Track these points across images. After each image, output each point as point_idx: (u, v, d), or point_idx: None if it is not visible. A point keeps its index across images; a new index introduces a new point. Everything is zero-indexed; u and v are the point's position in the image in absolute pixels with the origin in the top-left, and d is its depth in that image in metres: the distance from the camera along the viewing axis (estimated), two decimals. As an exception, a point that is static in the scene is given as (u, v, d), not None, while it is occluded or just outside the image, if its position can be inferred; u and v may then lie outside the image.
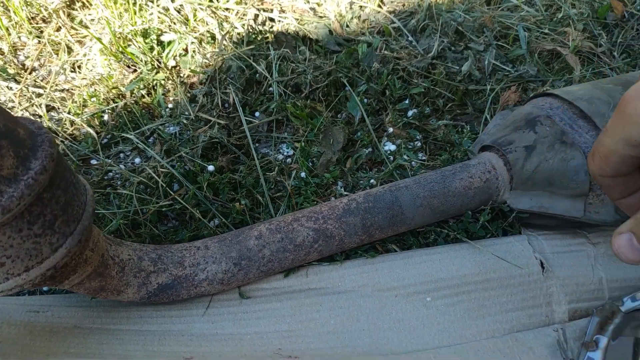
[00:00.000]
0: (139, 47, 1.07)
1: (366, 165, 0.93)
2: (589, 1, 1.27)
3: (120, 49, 1.06)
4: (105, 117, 0.99)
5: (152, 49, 1.08)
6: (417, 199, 0.76)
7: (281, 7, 1.21)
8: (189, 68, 1.04)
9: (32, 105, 1.00)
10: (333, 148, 0.90)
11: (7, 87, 1.03)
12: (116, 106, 0.99)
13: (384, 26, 1.17)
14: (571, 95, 0.82)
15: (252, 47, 1.05)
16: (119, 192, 0.82)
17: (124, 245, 0.67)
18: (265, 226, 0.73)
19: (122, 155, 0.94)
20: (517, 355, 0.68)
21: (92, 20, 1.18)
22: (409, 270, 0.75)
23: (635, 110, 0.38)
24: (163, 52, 1.08)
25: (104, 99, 1.01)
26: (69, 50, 1.12)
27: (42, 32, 1.14)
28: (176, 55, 1.09)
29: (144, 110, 1.00)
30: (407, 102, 1.01)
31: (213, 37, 1.11)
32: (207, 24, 1.14)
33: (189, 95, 1.00)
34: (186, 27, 1.12)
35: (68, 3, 1.19)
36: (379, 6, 1.23)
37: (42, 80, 1.07)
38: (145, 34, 1.10)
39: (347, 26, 1.19)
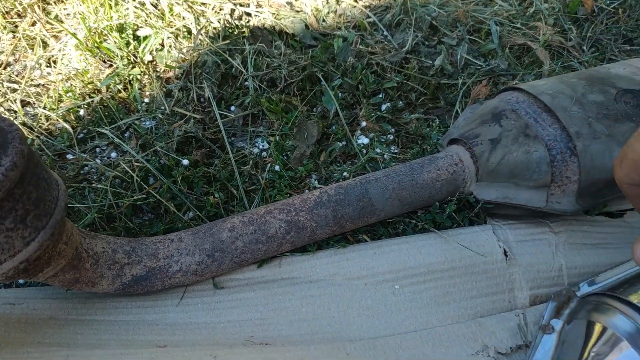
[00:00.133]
0: (115, 42, 1.07)
1: (340, 159, 0.95)
2: (560, -4, 1.30)
3: (96, 44, 1.06)
4: (81, 112, 0.99)
5: (128, 44, 1.09)
6: (386, 191, 0.79)
7: (258, 2, 1.22)
8: (165, 63, 1.05)
9: (7, 101, 1.01)
10: (307, 142, 0.92)
11: (-18, 82, 1.03)
12: (92, 101, 1.00)
13: (359, 21, 1.19)
14: (536, 90, 0.85)
15: (228, 41, 1.06)
16: (95, 186, 0.83)
17: (98, 238, 0.69)
18: (239, 219, 0.75)
19: (98, 149, 0.95)
20: (480, 339, 0.71)
21: (68, 14, 1.18)
22: (379, 259, 0.78)
23: None
24: (139, 46, 1.08)
25: (79, 94, 1.01)
26: (45, 45, 1.12)
27: (16, 26, 1.14)
28: (152, 50, 1.10)
29: (120, 105, 1.01)
30: (380, 96, 1.03)
31: (189, 32, 1.12)
32: (183, 18, 1.15)
33: (164, 90, 1.01)
34: (162, 22, 1.12)
35: (43, -3, 1.19)
36: (355, 1, 1.25)
37: (17, 76, 1.07)
38: (121, 29, 1.10)
39: (324, 21, 1.21)
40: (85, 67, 1.07)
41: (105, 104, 1.00)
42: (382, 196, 0.79)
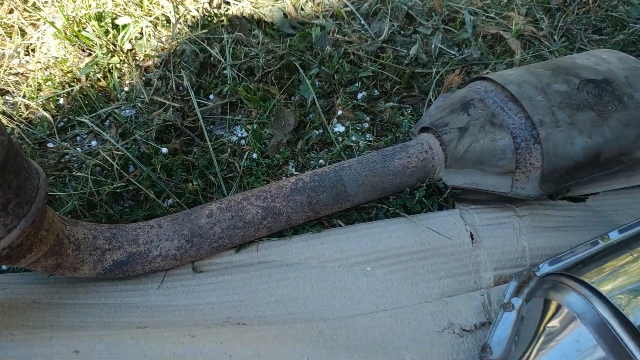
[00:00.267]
0: (94, 31, 1.08)
1: (317, 146, 0.97)
2: (533, -14, 1.33)
3: (74, 33, 1.07)
4: (61, 100, 1.00)
5: (107, 32, 1.10)
6: (359, 178, 0.82)
7: (237, -10, 1.23)
8: (144, 51, 1.06)
9: (-14, 89, 1.01)
10: (284, 130, 0.94)
11: (-40, 70, 1.04)
12: (72, 90, 1.01)
13: (337, 10, 1.21)
14: (504, 79, 0.88)
15: (206, 30, 1.07)
16: (75, 174, 0.85)
17: (79, 225, 0.71)
18: (216, 205, 0.77)
19: (78, 138, 0.97)
20: (446, 317, 0.76)
21: (46, 2, 1.18)
22: (352, 243, 0.81)
23: None
24: (118, 35, 1.09)
25: (59, 82, 1.02)
26: (23, 33, 1.12)
27: (-6, 14, 1.14)
28: (132, 39, 1.10)
29: (100, 94, 1.02)
30: (357, 84, 1.06)
31: (168, 21, 1.13)
32: (162, 7, 1.15)
33: (144, 78, 1.03)
34: (141, 10, 1.13)
35: (20, -16, 1.18)
36: (333, -10, 1.26)
37: (-5, 64, 1.07)
38: (99, 18, 1.11)
39: (302, 9, 1.23)
40: (65, 55, 1.07)
41: (85, 93, 1.01)
42: (356, 183, 0.82)
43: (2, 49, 1.09)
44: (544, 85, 0.86)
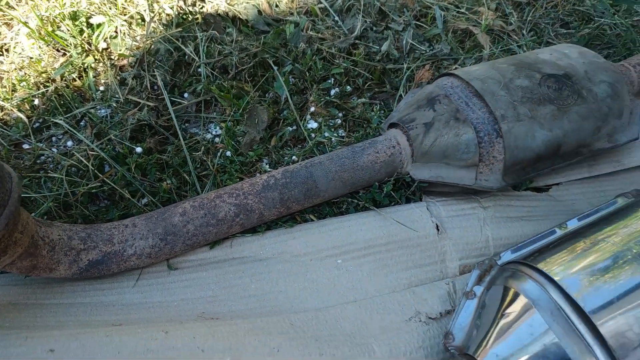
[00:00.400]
0: (68, 30, 1.08)
1: (290, 143, 1.00)
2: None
3: (48, 33, 1.07)
4: (36, 101, 1.01)
5: (81, 31, 1.10)
6: (329, 174, 0.85)
7: (211, -12, 1.24)
8: (119, 51, 1.07)
9: (-40, 91, 1.01)
10: (258, 127, 0.97)
11: None
12: (46, 90, 1.02)
13: (311, 6, 1.23)
14: (469, 75, 0.91)
15: (180, 29, 1.09)
16: (50, 175, 0.87)
17: (53, 226, 0.73)
18: (190, 203, 0.80)
19: (54, 138, 0.98)
20: (413, 306, 0.79)
21: (20, 1, 1.18)
22: (323, 236, 0.84)
23: None
24: (93, 34, 1.10)
25: (33, 83, 1.03)
26: (-4, 33, 1.12)
27: (-35, 14, 1.13)
28: (107, 38, 1.11)
29: (75, 94, 1.03)
30: (330, 81, 1.08)
31: (143, 19, 1.14)
32: (137, 5, 1.16)
33: (119, 78, 1.04)
34: (115, 9, 1.14)
35: (-8, -16, 1.18)
36: (307, -14, 1.28)
37: (-32, 65, 1.07)
38: (74, 17, 1.11)
39: (277, 6, 1.24)
40: (39, 55, 1.08)
41: (60, 93, 1.02)
42: (326, 178, 0.84)
43: (-25, 50, 1.09)
44: (507, 80, 0.89)
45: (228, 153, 0.92)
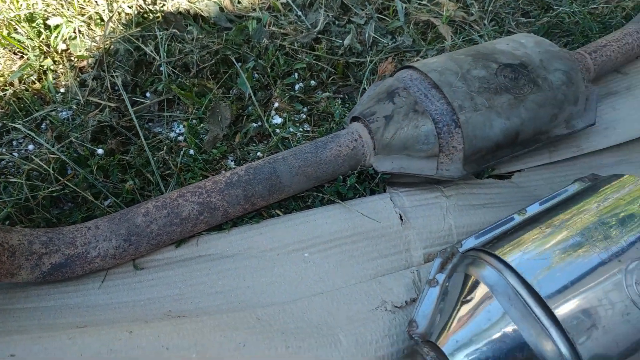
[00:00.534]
0: (25, 33, 1.06)
1: (255, 139, 1.00)
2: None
3: (3, 37, 1.05)
4: (-6, 105, 0.99)
5: (39, 33, 1.08)
6: (293, 169, 0.85)
7: (172, -15, 1.22)
8: (78, 52, 1.06)
9: None
10: (221, 124, 0.97)
11: None
12: (4, 94, 1.00)
13: (273, 2, 1.23)
14: (427, 67, 0.93)
15: (140, 28, 1.08)
16: (10, 180, 0.85)
17: (13, 231, 0.72)
18: (152, 203, 0.80)
19: (14, 142, 0.96)
20: (379, 296, 0.81)
21: (-27, 3, 1.15)
22: (289, 231, 0.85)
23: None
24: (51, 36, 1.08)
25: (-9, 87, 1.01)
26: (-51, 37, 1.09)
27: None
28: (66, 39, 1.09)
29: (35, 97, 1.02)
30: (295, 76, 1.09)
31: (102, 19, 1.12)
32: (96, 4, 1.14)
33: (79, 79, 1.03)
34: (73, 10, 1.12)
35: (-56, -14, 1.15)
36: (269, -19, 1.28)
37: None
38: (30, 19, 1.09)
39: (239, 2, 1.24)
40: (-5, 59, 1.06)
41: (20, 96, 1.00)
42: (290, 173, 0.85)
43: None
44: (464, 71, 0.91)
45: (191, 151, 0.92)
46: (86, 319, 0.71)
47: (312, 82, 1.08)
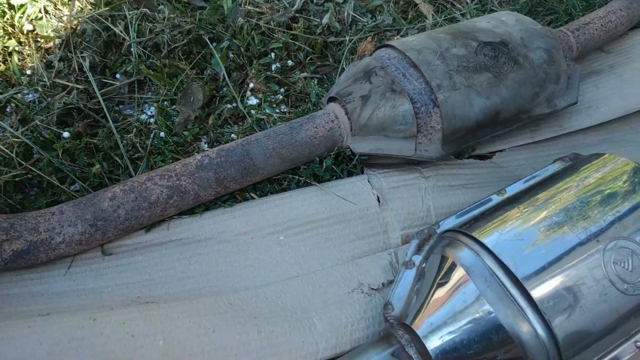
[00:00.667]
0: (-12, 12, 1.02)
1: (230, 121, 0.97)
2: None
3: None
4: (-44, 88, 0.95)
5: (3, 13, 1.04)
6: (267, 151, 0.83)
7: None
8: (44, 32, 1.02)
9: None
10: (193, 106, 0.93)
11: None
12: (-33, 76, 0.96)
13: (249, -20, 1.19)
14: (405, 46, 0.90)
15: (108, 8, 1.03)
16: (-29, 165, 0.82)
17: (-29, 217, 0.69)
18: (120, 187, 0.77)
19: (-22, 127, 0.93)
20: (356, 278, 0.79)
21: None
22: (264, 214, 0.83)
23: None
24: (16, 16, 1.04)
25: (-48, 69, 0.97)
26: None
27: None
28: (32, 19, 1.05)
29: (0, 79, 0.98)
30: (271, 56, 1.05)
31: (70, -2, 1.08)
32: (64, -17, 1.10)
33: (44, 60, 0.99)
34: (39, -12, 1.07)
35: None
36: (246, -41, 1.24)
37: None
38: (-7, -2, 1.04)
39: (214, -19, 1.19)
40: (-42, 40, 1.01)
41: (-17, 79, 0.96)
42: (264, 156, 0.83)
43: None
44: (443, 50, 0.89)
45: (162, 134, 0.89)
46: (50, 306, 0.69)
47: (290, 62, 1.05)
